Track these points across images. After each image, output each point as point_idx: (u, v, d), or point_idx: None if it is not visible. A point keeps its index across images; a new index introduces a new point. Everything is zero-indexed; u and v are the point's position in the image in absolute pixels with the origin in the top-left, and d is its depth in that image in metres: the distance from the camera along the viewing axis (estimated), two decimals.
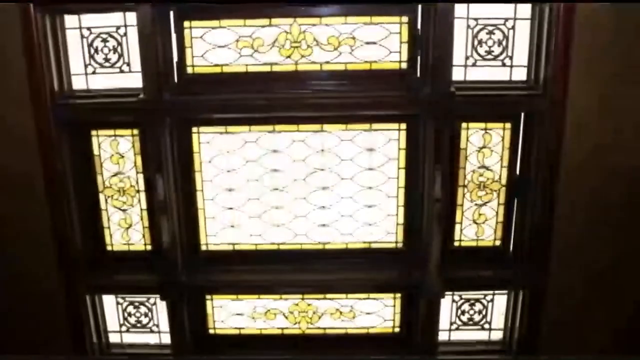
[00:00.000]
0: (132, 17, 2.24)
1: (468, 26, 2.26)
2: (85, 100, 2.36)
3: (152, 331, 2.71)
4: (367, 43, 2.28)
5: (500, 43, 2.28)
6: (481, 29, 2.26)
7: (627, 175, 2.33)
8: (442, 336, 2.65)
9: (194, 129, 2.42)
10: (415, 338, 2.61)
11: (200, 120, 2.41)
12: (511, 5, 2.24)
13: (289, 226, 2.55)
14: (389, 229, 2.54)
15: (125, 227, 2.56)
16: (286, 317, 2.67)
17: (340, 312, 2.66)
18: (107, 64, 2.34)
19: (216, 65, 2.32)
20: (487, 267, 2.54)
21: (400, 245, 2.55)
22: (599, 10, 2.12)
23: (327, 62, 2.30)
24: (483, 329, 2.68)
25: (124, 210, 2.53)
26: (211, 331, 2.70)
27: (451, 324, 2.67)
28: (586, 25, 2.14)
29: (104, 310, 2.68)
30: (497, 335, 2.69)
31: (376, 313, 2.66)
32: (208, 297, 2.65)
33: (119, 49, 2.32)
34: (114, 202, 2.52)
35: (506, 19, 2.26)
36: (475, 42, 2.28)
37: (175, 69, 2.32)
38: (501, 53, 2.30)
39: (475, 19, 2.25)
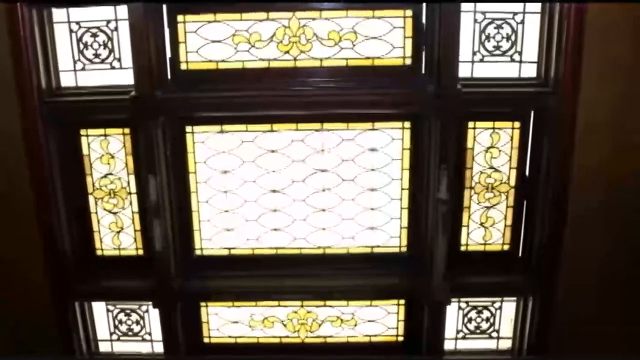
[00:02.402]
0: (123, 10, 2.23)
1: (475, 20, 2.26)
2: (74, 97, 2.35)
3: (144, 340, 2.70)
4: (370, 38, 2.27)
5: (509, 38, 2.27)
6: (489, 23, 2.26)
7: None
8: (448, 345, 2.64)
9: (188, 128, 2.41)
10: (420, 347, 2.59)
11: (194, 119, 2.40)
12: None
13: (287, 230, 2.54)
14: (392, 233, 2.53)
15: (116, 230, 2.54)
16: (285, 325, 2.66)
17: (342, 320, 2.65)
18: (97, 60, 2.34)
19: (211, 61, 2.31)
20: (495, 272, 2.53)
21: (404, 249, 2.55)
22: (610, 4, 2.11)
23: (328, 58, 2.29)
24: (491, 337, 2.67)
25: (114, 213, 2.52)
26: (206, 340, 2.69)
27: (457, 332, 2.66)
28: (597, 20, 2.13)
29: (94, 317, 2.67)
30: (505, 344, 2.67)
31: (379, 321, 2.65)
32: (203, 304, 2.63)
33: (109, 44, 2.31)
34: (104, 205, 2.51)
35: (515, 13, 2.25)
36: (483, 37, 2.27)
37: (169, 65, 2.31)
38: (510, 48, 2.29)
39: (483, 13, 2.25)
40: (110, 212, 2.52)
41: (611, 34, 2.15)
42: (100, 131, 2.42)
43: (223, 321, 2.67)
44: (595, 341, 2.50)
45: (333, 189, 2.47)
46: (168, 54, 2.30)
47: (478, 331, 2.66)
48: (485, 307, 2.62)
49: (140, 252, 2.56)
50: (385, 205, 2.49)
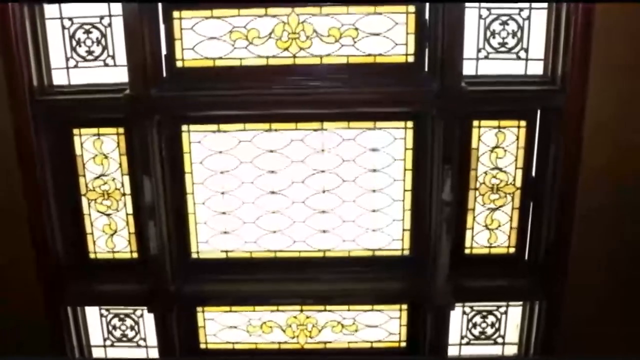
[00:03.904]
0: (117, 6, 2.22)
1: (480, 16, 2.25)
2: (66, 96, 2.34)
3: (138, 346, 2.69)
4: (371, 34, 2.26)
5: (514, 34, 2.27)
6: (494, 19, 2.25)
7: None
8: (452, 351, 2.63)
9: (184, 127, 2.40)
10: (423, 353, 2.59)
11: (190, 118, 2.39)
12: None
13: (286, 232, 2.53)
14: (394, 235, 2.52)
15: (110, 233, 2.53)
16: (284, 331, 2.65)
17: (342, 325, 2.64)
18: (90, 57, 2.33)
19: (208, 58, 2.30)
20: (500, 276, 2.52)
21: (406, 252, 2.54)
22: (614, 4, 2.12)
23: (328, 55, 2.28)
24: (496, 343, 2.66)
25: (108, 215, 2.51)
26: (202, 346, 2.68)
27: (462, 337, 2.65)
28: (602, 18, 2.12)
29: (87, 322, 2.66)
30: (511, 350, 2.67)
31: (381, 326, 2.64)
32: (199, 308, 2.63)
33: (103, 41, 2.31)
34: (98, 206, 2.50)
35: (521, 9, 2.24)
36: (488, 34, 2.27)
37: (164, 62, 2.30)
38: (516, 45, 2.28)
39: (488, 9, 2.24)
40: (103, 213, 2.51)
41: (616, 33, 2.15)
42: (94, 130, 2.41)
43: (220, 326, 2.66)
44: (601, 342, 2.49)
45: (333, 190, 2.46)
46: (163, 51, 2.29)
47: (483, 337, 2.65)
48: (490, 312, 2.61)
49: (135, 255, 2.55)
50: (387, 207, 2.49)
